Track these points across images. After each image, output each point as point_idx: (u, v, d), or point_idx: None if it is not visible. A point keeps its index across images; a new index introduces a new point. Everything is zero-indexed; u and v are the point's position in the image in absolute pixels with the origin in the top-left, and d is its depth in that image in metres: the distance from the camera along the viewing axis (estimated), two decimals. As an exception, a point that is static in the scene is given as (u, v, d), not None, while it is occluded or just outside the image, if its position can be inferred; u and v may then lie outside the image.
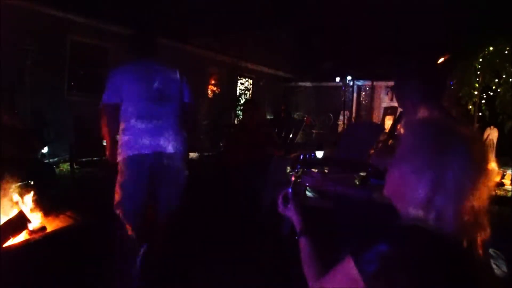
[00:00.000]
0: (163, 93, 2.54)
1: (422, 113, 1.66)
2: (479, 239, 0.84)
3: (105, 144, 2.59)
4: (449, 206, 0.82)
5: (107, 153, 2.53)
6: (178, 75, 2.72)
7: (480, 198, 0.83)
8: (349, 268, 0.86)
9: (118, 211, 2.39)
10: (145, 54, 2.65)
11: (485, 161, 0.85)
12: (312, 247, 1.14)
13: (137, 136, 2.40)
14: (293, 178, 1.34)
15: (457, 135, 0.87)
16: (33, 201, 2.44)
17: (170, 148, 2.48)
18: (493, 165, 0.86)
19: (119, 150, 2.45)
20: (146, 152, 2.40)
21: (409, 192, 0.86)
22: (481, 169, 0.84)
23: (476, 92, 7.94)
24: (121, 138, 2.45)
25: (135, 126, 2.41)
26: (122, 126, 2.46)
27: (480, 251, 0.85)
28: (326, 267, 0.97)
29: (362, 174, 2.38)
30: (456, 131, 0.87)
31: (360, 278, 0.83)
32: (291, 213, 1.27)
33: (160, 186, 2.52)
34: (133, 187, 2.40)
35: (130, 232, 2.39)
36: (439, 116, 1.58)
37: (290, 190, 1.30)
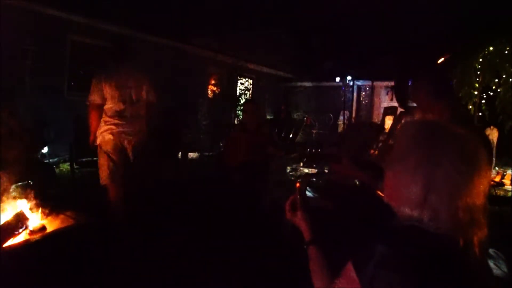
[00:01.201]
0: (134, 95, 3.28)
1: (422, 112, 1.66)
2: (476, 238, 0.84)
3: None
4: (443, 204, 0.82)
5: (91, 138, 3.30)
6: (147, 80, 3.41)
7: (475, 196, 0.83)
8: (349, 273, 0.87)
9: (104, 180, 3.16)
10: (122, 62, 3.32)
11: (478, 159, 0.85)
12: (321, 257, 1.11)
13: (112, 126, 3.19)
14: (297, 185, 1.29)
15: (447, 133, 0.87)
16: (33, 201, 2.44)
17: (135, 137, 3.25)
18: (487, 162, 0.86)
19: (99, 136, 3.22)
20: (116, 138, 3.19)
21: (404, 192, 0.87)
22: (474, 167, 0.84)
23: (476, 92, 7.94)
24: (101, 126, 3.23)
25: (111, 120, 3.20)
26: (103, 118, 3.25)
27: (477, 250, 0.84)
28: (333, 275, 0.97)
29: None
30: (447, 130, 0.88)
31: (357, 281, 0.84)
32: (299, 221, 1.23)
33: (129, 163, 3.25)
34: (108, 161, 3.18)
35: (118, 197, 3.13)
36: (434, 116, 1.59)
37: (298, 197, 1.25)
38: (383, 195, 0.96)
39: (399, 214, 0.89)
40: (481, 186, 0.84)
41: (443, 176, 0.82)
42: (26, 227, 2.27)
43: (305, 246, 1.17)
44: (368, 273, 0.82)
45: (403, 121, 1.90)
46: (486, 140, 1.83)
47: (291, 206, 1.26)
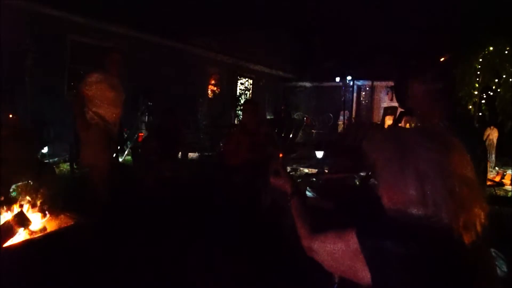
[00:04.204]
0: None
1: (422, 112, 1.67)
2: (478, 221, 0.87)
3: None
4: (438, 189, 0.86)
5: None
6: None
7: (463, 170, 0.88)
8: (350, 240, 0.91)
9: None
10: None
11: (445, 141, 0.91)
12: (303, 205, 1.24)
13: None
14: (281, 155, 1.47)
15: (410, 132, 0.97)
16: (33, 201, 2.43)
17: None
18: (456, 141, 0.92)
19: None
20: None
21: (404, 194, 0.90)
22: (445, 148, 0.90)
23: (476, 92, 7.93)
24: None
25: None
26: None
27: (480, 235, 0.87)
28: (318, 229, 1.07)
29: (362, 174, 2.38)
30: (409, 130, 0.98)
31: (362, 256, 0.87)
32: (281, 180, 1.37)
33: None
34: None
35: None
36: (431, 116, 1.61)
37: (280, 162, 1.45)
38: (383, 201, 0.98)
39: (404, 216, 0.90)
40: (465, 162, 0.89)
41: (426, 163, 0.87)
42: (26, 227, 2.27)
43: (288, 198, 1.29)
44: (377, 269, 0.85)
45: (402, 121, 1.91)
46: (473, 136, 1.82)
47: (274, 171, 1.40)
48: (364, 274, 0.87)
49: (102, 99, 3.56)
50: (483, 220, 0.87)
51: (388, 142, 0.97)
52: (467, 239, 0.84)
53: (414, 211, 0.88)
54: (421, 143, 0.90)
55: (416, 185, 0.88)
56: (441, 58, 7.84)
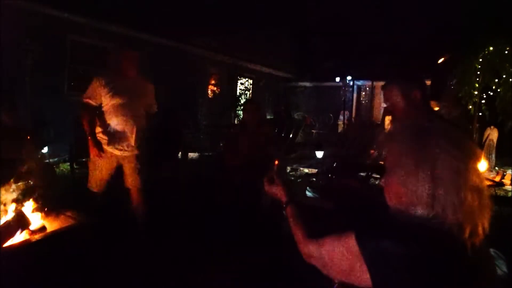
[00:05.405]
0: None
1: (408, 113, 1.70)
2: (480, 228, 0.86)
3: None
4: (450, 195, 0.85)
5: None
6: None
7: (476, 179, 0.87)
8: (350, 242, 0.91)
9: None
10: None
11: (468, 145, 0.90)
12: (298, 212, 1.23)
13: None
14: (276, 162, 1.45)
15: (435, 129, 0.93)
16: (33, 201, 2.44)
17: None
18: (474, 148, 0.91)
19: None
20: None
21: (413, 194, 0.89)
22: (467, 152, 0.88)
23: (476, 92, 7.92)
24: None
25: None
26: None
27: (480, 241, 0.87)
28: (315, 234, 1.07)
29: (362, 174, 2.39)
30: (435, 127, 0.94)
31: (362, 258, 0.87)
32: (276, 189, 1.36)
33: None
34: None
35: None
36: (416, 119, 1.64)
37: (275, 170, 1.41)
38: (387, 196, 0.97)
39: (406, 214, 0.90)
40: (479, 170, 0.88)
41: (443, 167, 0.86)
42: (26, 227, 2.27)
43: (284, 206, 1.29)
44: (378, 269, 0.84)
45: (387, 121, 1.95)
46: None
47: (269, 179, 1.39)
48: (364, 277, 0.87)
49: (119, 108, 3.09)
50: (486, 226, 0.87)
51: (408, 134, 0.94)
52: (468, 241, 0.84)
53: (418, 210, 0.88)
54: (443, 146, 0.87)
55: (428, 187, 0.86)
56: (441, 58, 7.83)
